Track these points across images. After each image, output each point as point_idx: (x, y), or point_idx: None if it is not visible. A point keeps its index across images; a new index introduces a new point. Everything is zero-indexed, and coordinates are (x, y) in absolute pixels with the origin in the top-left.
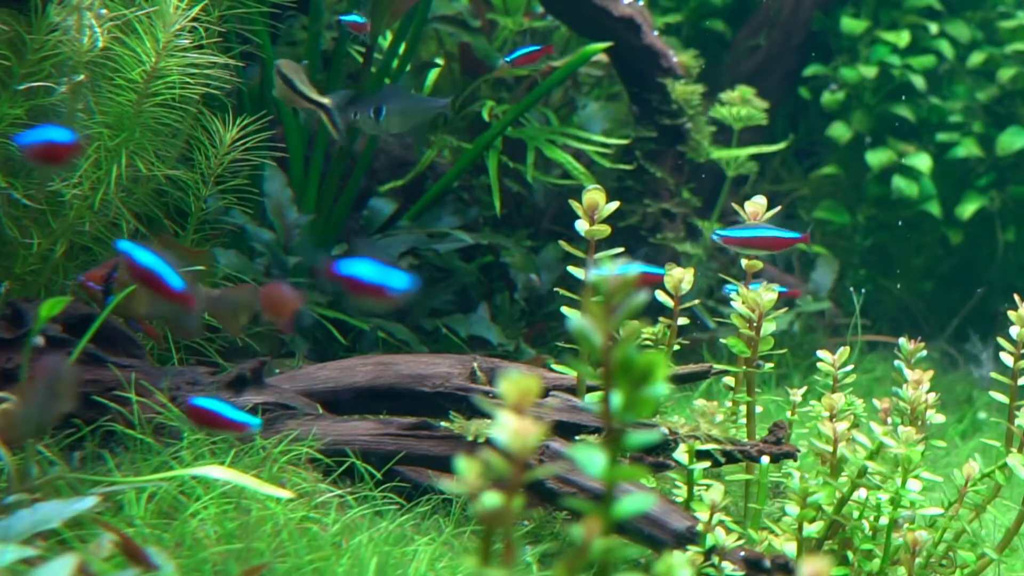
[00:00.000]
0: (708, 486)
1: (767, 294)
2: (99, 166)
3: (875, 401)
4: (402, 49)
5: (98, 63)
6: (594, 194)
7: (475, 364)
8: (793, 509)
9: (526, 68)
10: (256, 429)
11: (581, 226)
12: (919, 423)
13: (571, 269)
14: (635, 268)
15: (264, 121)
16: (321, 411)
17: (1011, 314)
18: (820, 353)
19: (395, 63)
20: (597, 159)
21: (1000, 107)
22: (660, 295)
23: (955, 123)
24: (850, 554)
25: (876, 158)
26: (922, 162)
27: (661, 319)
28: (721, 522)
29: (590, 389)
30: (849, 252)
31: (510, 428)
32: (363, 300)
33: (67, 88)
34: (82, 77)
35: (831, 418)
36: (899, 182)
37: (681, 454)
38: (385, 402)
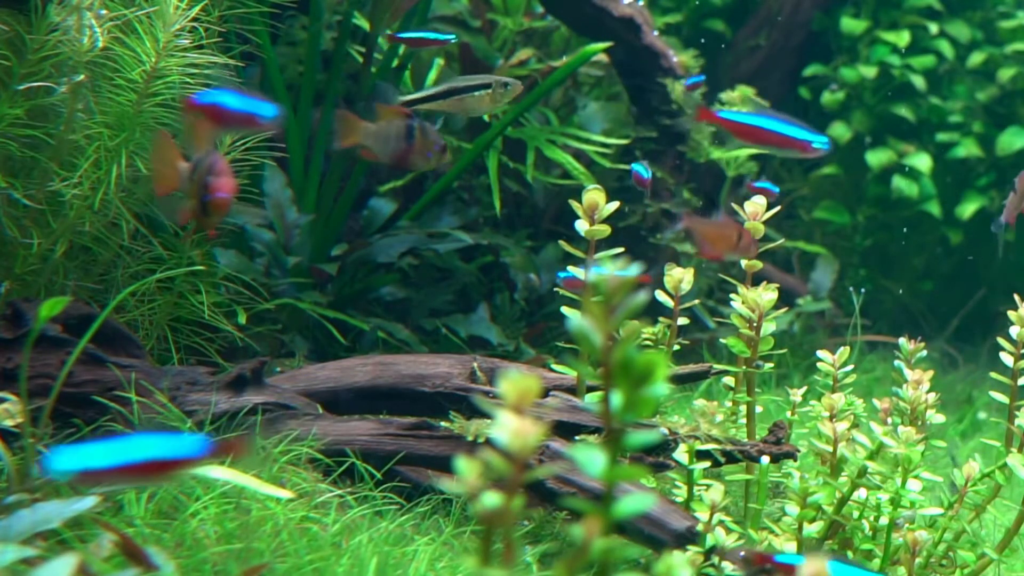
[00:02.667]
0: (708, 486)
1: (767, 294)
2: (99, 166)
3: (875, 401)
4: (402, 49)
5: (98, 63)
6: (594, 194)
7: (475, 364)
8: (793, 509)
9: (525, 68)
10: None
11: (581, 226)
12: (919, 423)
13: (571, 269)
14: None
15: None
16: (321, 411)
17: (1011, 314)
18: (820, 353)
19: (395, 63)
20: (597, 159)
21: (1000, 107)
22: (660, 295)
23: (955, 123)
24: (850, 554)
25: (876, 158)
26: (922, 162)
27: (661, 319)
28: (721, 522)
29: (590, 389)
30: (849, 252)
31: (510, 428)
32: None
33: (67, 88)
34: (82, 77)
35: (831, 418)
36: (899, 182)
37: (681, 454)
38: (385, 402)
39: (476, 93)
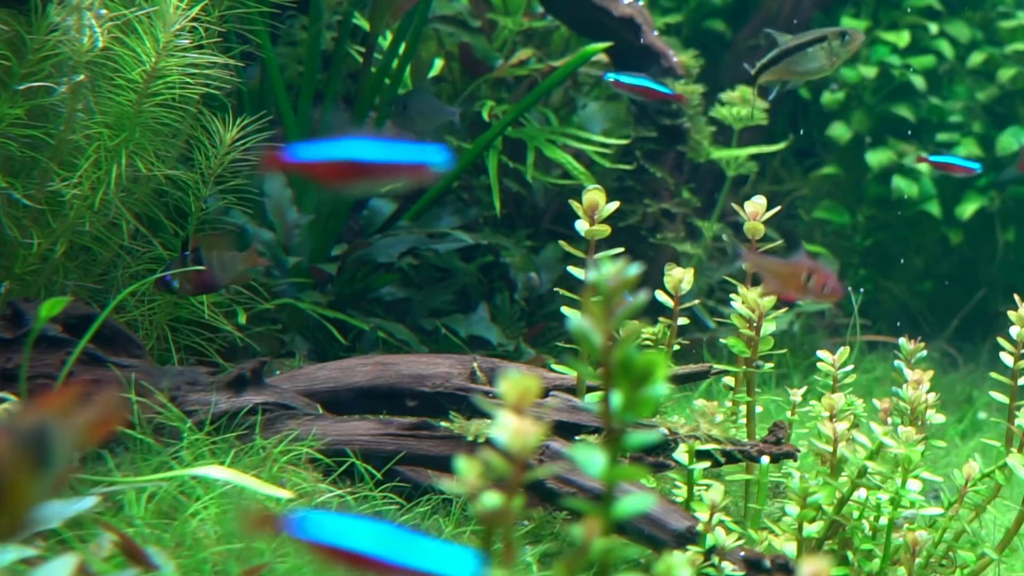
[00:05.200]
0: (708, 486)
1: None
2: (99, 166)
3: (875, 401)
4: (402, 49)
5: (98, 63)
6: (594, 194)
7: (475, 364)
8: (793, 509)
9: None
10: None
11: (581, 226)
12: (919, 423)
13: (571, 269)
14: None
15: (264, 121)
16: (321, 411)
17: (1011, 314)
18: (820, 353)
19: (395, 63)
20: (597, 159)
21: (1000, 107)
22: (660, 295)
23: (955, 123)
24: (850, 554)
25: (876, 158)
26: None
27: (661, 319)
28: (721, 522)
29: (590, 389)
30: (849, 252)
31: (510, 428)
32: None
33: (67, 88)
34: (82, 77)
35: (831, 418)
36: (899, 182)
37: (681, 454)
38: (385, 402)
39: (809, 50)
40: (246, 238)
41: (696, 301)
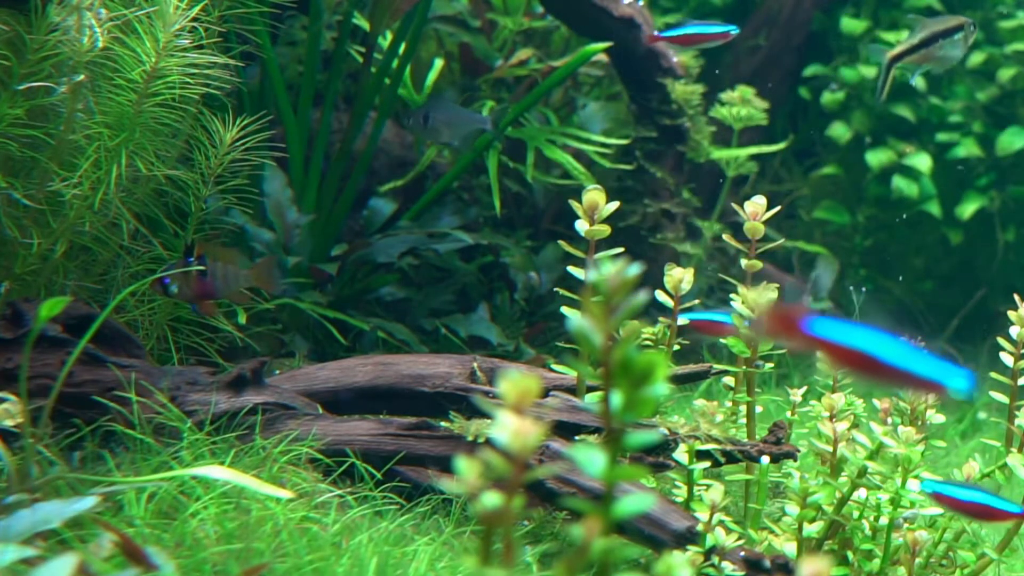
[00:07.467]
0: (708, 486)
1: (767, 294)
2: (99, 166)
3: (875, 401)
4: (402, 49)
5: (98, 63)
6: (594, 194)
7: (475, 364)
8: (793, 509)
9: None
10: None
11: (581, 226)
12: (919, 423)
13: (571, 269)
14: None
15: (264, 121)
16: (321, 411)
17: (1011, 314)
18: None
19: (395, 63)
20: (597, 159)
21: (1000, 107)
22: (660, 295)
23: (955, 123)
24: (850, 554)
25: (876, 158)
26: (922, 162)
27: (661, 319)
28: (721, 522)
29: (590, 389)
30: (849, 252)
31: (510, 428)
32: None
33: (67, 88)
34: (82, 77)
35: (831, 418)
36: (899, 182)
37: (681, 454)
38: (385, 402)
39: (956, 36)
40: (252, 249)
41: (696, 301)
